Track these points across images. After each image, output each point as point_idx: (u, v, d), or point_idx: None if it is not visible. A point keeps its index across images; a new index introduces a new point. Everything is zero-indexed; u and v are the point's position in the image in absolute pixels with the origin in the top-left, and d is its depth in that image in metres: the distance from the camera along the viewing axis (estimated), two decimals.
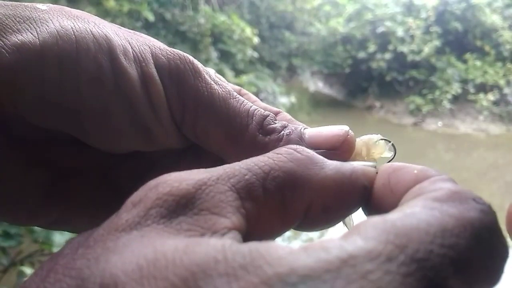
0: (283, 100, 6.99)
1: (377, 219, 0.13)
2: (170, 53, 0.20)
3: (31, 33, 0.18)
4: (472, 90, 6.94)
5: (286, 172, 0.16)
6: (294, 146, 0.17)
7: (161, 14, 6.26)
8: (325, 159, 0.17)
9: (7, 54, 0.17)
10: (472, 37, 7.30)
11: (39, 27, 0.18)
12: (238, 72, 6.92)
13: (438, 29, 7.17)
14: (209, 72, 0.21)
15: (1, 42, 0.17)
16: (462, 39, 7.34)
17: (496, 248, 0.13)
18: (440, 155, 5.65)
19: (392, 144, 0.22)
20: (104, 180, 0.23)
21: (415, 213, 0.13)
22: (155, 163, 0.24)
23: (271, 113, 0.21)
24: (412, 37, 7.25)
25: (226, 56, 6.81)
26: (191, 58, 0.20)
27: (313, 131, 0.21)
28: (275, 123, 0.21)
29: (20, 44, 0.17)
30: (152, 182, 0.15)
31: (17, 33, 0.17)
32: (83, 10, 0.20)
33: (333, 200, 0.17)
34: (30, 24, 0.18)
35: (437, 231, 0.12)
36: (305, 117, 7.65)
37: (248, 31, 5.68)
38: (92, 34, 0.18)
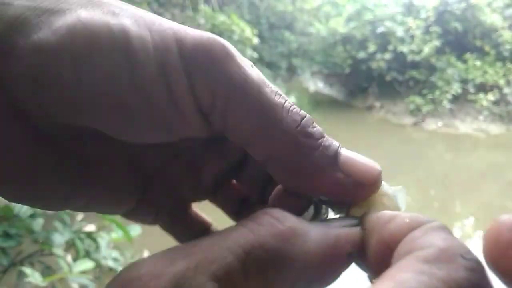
0: None
1: None
2: (197, 37, 0.18)
3: (49, 30, 0.17)
4: (472, 90, 6.94)
5: (268, 251, 0.15)
6: (277, 214, 0.16)
7: (161, 14, 6.24)
8: (309, 228, 0.17)
9: (27, 55, 0.17)
10: (472, 37, 7.30)
11: (57, 21, 0.17)
12: None
13: (438, 29, 7.16)
14: (243, 57, 0.19)
15: (22, 42, 0.17)
16: (462, 39, 7.34)
17: None
18: (440, 155, 5.65)
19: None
20: (129, 168, 0.23)
21: (407, 282, 0.13)
22: (180, 150, 0.24)
23: (308, 115, 0.20)
24: (412, 37, 7.25)
25: None
26: (222, 40, 0.19)
27: (349, 157, 0.20)
28: (314, 127, 0.19)
29: (38, 44, 0.17)
30: (124, 276, 0.14)
31: (36, 29, 0.17)
32: None
33: (318, 274, 0.16)
34: (48, 18, 0.18)
35: None
36: None
37: (248, 31, 5.68)
38: (108, 27, 0.18)
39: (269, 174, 0.22)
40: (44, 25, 0.17)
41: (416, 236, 0.15)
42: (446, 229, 0.16)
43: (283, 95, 0.19)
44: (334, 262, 0.17)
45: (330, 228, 0.17)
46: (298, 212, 0.20)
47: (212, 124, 0.19)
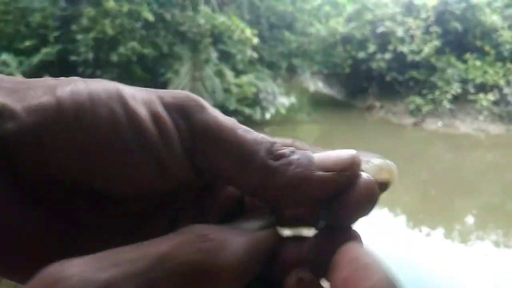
0: (283, 100, 6.99)
1: None
2: (175, 94, 0.22)
3: (47, 96, 0.19)
4: (472, 90, 6.95)
5: (193, 266, 0.16)
6: (200, 229, 0.18)
7: (161, 14, 6.24)
8: (231, 238, 0.18)
9: (26, 117, 0.18)
10: (472, 37, 7.30)
11: (53, 91, 0.19)
12: (238, 73, 6.90)
13: (438, 29, 7.17)
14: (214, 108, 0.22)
15: (20, 106, 0.18)
16: (462, 39, 7.34)
17: None
18: (440, 155, 5.66)
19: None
20: (125, 240, 0.23)
21: None
22: (178, 221, 0.24)
23: (278, 141, 0.22)
24: (412, 37, 7.26)
25: (226, 57, 6.80)
26: (194, 96, 0.22)
27: (321, 156, 0.21)
28: (283, 149, 0.21)
29: (38, 106, 0.19)
30: (47, 277, 0.14)
31: (33, 98, 0.19)
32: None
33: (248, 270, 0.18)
34: (45, 90, 0.19)
35: None
36: (305, 117, 7.64)
37: (248, 32, 5.68)
38: (102, 87, 0.20)
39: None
40: (40, 95, 0.19)
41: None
42: None
43: (253, 131, 0.22)
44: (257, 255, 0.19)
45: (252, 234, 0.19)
46: None
47: (199, 166, 0.22)
